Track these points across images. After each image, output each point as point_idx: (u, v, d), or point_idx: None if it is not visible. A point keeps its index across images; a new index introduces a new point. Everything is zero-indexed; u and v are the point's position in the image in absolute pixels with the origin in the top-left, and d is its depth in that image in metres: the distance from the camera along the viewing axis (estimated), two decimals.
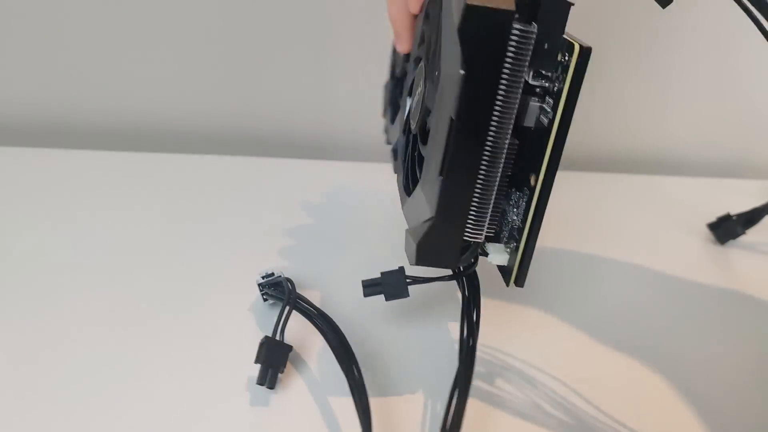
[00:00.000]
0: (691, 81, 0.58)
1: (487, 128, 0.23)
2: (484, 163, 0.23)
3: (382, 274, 0.30)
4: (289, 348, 0.29)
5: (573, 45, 0.22)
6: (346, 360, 0.28)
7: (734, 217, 0.45)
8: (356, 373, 0.27)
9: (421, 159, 0.28)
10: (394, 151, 0.36)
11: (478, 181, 0.24)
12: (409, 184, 0.30)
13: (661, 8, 0.28)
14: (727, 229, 0.45)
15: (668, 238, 0.46)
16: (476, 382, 0.29)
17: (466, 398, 0.25)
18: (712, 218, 0.46)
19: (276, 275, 0.33)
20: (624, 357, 0.33)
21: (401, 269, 0.31)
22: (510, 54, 0.22)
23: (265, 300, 0.33)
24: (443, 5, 0.25)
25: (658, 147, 0.61)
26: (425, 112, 0.28)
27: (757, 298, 0.40)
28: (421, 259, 0.26)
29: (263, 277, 0.33)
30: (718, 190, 0.54)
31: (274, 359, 0.28)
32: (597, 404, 0.29)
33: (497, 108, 0.22)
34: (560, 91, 0.23)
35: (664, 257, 0.43)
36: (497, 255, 0.27)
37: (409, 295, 0.30)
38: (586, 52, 0.22)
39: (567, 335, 0.34)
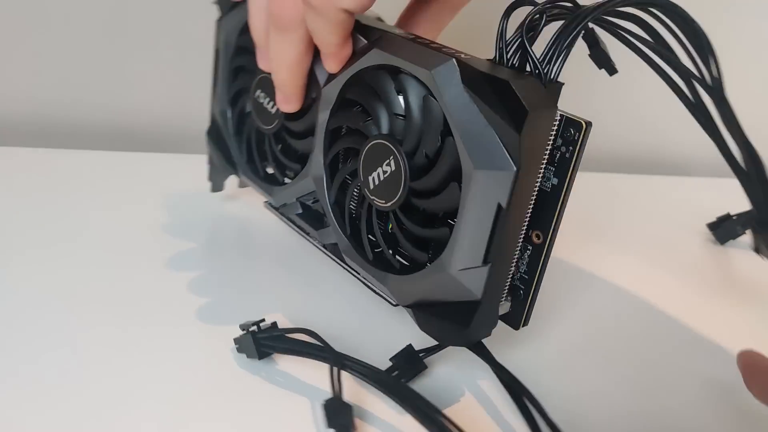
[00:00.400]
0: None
1: (526, 211, 0.25)
2: (519, 240, 0.26)
3: (392, 360, 0.29)
4: (350, 407, 0.26)
5: (579, 122, 0.25)
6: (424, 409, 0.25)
7: (734, 217, 0.45)
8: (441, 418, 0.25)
9: (412, 236, 0.28)
10: (303, 215, 0.34)
11: (514, 257, 0.26)
12: (388, 260, 0.30)
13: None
14: (727, 229, 0.45)
15: (668, 238, 0.46)
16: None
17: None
18: (712, 218, 0.46)
19: (268, 324, 0.29)
20: (623, 357, 0.33)
21: (410, 347, 0.30)
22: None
23: (261, 357, 0.29)
24: (441, 94, 0.25)
25: (658, 147, 0.61)
26: (409, 191, 0.27)
27: (756, 298, 0.40)
28: (473, 339, 0.28)
29: (258, 328, 0.29)
30: (718, 190, 0.54)
31: (344, 421, 0.25)
32: (595, 401, 0.29)
33: (534, 191, 0.25)
34: (568, 161, 0.26)
35: (663, 257, 0.43)
36: (501, 306, 0.28)
37: (427, 367, 0.30)
38: (589, 127, 0.25)
39: (567, 334, 0.34)
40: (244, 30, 0.35)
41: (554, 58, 0.24)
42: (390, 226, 0.29)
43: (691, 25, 0.25)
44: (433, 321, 0.28)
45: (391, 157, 0.27)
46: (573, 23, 0.24)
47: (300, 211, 0.34)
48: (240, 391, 0.28)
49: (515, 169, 0.23)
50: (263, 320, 0.29)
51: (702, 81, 0.26)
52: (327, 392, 0.26)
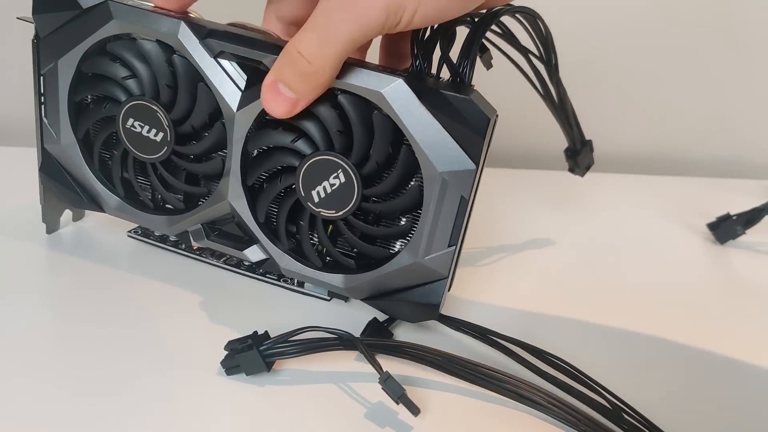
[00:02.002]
0: (691, 80, 0.59)
1: (476, 193, 0.29)
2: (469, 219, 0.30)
3: (362, 334, 0.31)
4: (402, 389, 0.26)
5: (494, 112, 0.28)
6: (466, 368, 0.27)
7: (734, 217, 0.45)
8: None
9: (366, 237, 0.31)
10: (220, 239, 0.33)
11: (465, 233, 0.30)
12: (341, 262, 0.31)
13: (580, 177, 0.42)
14: (726, 229, 0.45)
15: (668, 238, 0.46)
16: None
17: None
18: (712, 218, 0.46)
19: (259, 335, 0.29)
20: (621, 357, 0.33)
21: (375, 320, 0.32)
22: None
23: (269, 368, 0.28)
24: (395, 110, 0.27)
25: (658, 147, 0.61)
26: (361, 197, 0.29)
27: (756, 298, 0.40)
28: (439, 312, 0.31)
29: (257, 342, 0.28)
30: (718, 190, 0.54)
31: (399, 391, 0.26)
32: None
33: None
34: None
35: (663, 257, 0.43)
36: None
37: (393, 334, 0.32)
38: (497, 117, 0.28)
39: (567, 334, 0.34)
40: (91, 54, 0.31)
41: (467, 66, 0.28)
42: (329, 230, 0.31)
43: (543, 25, 0.32)
44: (399, 305, 0.31)
45: (340, 170, 0.29)
46: (477, 33, 0.28)
47: (212, 235, 0.33)
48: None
49: (475, 167, 0.27)
50: (255, 333, 0.29)
51: (547, 63, 0.34)
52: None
